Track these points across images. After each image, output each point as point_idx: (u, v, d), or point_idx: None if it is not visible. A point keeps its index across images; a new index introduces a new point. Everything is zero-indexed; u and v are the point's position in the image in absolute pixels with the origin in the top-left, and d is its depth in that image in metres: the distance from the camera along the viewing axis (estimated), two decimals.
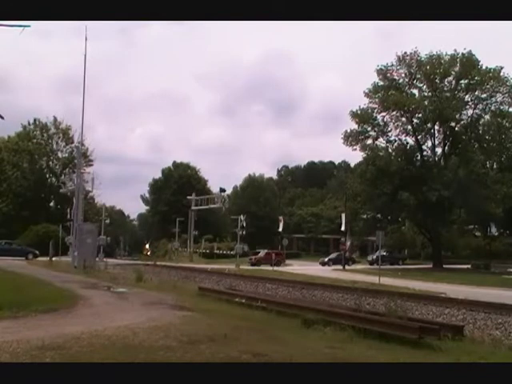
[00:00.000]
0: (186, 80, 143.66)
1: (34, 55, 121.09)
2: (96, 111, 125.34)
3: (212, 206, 60.74)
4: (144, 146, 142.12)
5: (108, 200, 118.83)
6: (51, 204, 63.06)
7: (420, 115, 45.70)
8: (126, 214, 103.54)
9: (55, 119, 62.75)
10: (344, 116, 45.30)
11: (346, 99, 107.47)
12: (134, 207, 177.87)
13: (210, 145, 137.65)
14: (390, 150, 47.39)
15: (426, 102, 44.88)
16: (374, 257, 43.61)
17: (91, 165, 60.23)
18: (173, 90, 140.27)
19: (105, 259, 36.14)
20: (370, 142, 47.27)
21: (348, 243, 48.58)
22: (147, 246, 72.87)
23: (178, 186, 75.25)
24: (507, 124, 45.72)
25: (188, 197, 62.61)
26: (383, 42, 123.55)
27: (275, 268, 38.51)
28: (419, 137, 47.14)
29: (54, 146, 63.01)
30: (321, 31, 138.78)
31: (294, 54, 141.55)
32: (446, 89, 45.98)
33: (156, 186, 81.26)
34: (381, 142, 47.63)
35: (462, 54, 44.24)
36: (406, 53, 45.53)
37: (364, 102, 46.71)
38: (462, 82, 45.16)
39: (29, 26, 11.53)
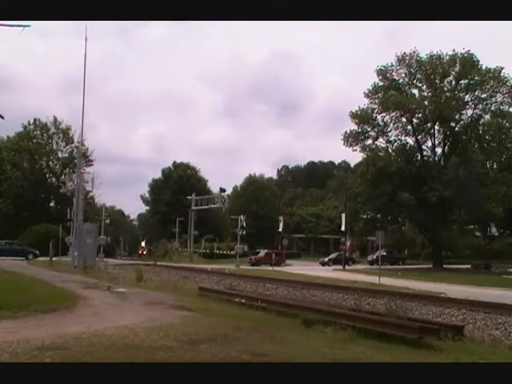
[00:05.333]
0: (189, 80, 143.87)
1: (38, 56, 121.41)
2: (99, 111, 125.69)
3: (212, 205, 60.73)
4: (147, 146, 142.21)
5: (109, 200, 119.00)
6: (51, 204, 63.01)
7: (420, 115, 45.70)
8: (126, 214, 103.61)
9: (55, 119, 62.86)
10: (347, 116, 45.68)
11: (349, 100, 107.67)
12: (134, 207, 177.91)
13: (212, 145, 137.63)
14: (390, 151, 47.41)
15: (425, 102, 44.89)
16: (374, 257, 43.60)
17: (91, 165, 60.30)
18: (176, 90, 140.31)
19: (105, 259, 36.13)
20: (369, 142, 47.33)
21: (348, 243, 48.57)
22: (143, 243, 71.89)
23: (177, 186, 75.22)
24: (507, 124, 45.68)
25: (188, 197, 62.59)
26: (389, 42, 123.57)
27: (275, 268, 38.49)
28: (419, 137, 47.13)
29: (54, 146, 63.02)
30: (325, 31, 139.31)
31: (298, 54, 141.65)
32: (445, 89, 45.97)
33: (156, 186, 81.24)
34: (381, 142, 47.70)
35: (462, 54, 44.26)
36: (405, 53, 45.61)
37: (364, 103, 46.83)
38: (462, 82, 45.15)
39: (29, 25, 11.54)
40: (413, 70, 45.92)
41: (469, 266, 43.19)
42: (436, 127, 46.61)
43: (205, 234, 64.25)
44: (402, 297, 13.77)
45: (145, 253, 64.82)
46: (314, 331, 8.90)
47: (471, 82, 44.49)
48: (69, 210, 41.91)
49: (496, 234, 60.03)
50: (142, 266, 33.54)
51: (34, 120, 62.87)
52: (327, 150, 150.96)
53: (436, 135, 47.15)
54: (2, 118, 19.85)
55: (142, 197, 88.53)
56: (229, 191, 74.45)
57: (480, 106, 45.44)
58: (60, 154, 63.40)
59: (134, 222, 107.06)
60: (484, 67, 43.95)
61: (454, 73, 44.88)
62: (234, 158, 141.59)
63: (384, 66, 46.13)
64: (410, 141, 47.69)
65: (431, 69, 45.12)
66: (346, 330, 8.63)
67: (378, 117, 46.37)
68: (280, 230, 54.32)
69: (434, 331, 8.51)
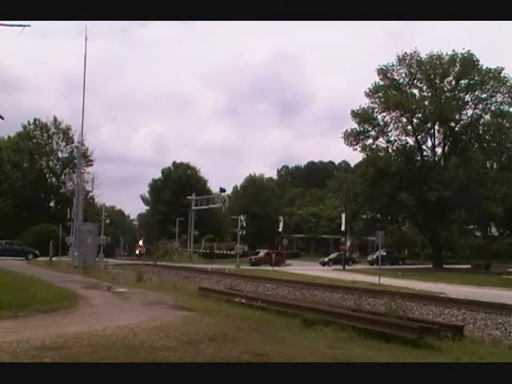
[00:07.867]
0: (189, 80, 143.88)
1: (38, 56, 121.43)
2: (99, 111, 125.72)
3: (212, 205, 60.73)
4: (147, 146, 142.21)
5: (109, 200, 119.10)
6: (51, 204, 63.01)
7: (420, 115, 45.75)
8: (126, 214, 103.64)
9: (55, 119, 62.85)
10: (349, 117, 45.86)
11: (350, 100, 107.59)
12: (134, 207, 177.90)
13: (212, 145, 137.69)
14: (390, 151, 47.46)
15: (426, 102, 44.95)
16: (374, 257, 43.61)
17: (91, 165, 60.35)
18: (176, 90, 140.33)
19: (105, 259, 36.12)
20: (370, 141, 47.41)
21: (348, 243, 48.61)
22: (140, 242, 71.21)
23: (177, 186, 75.22)
24: (507, 124, 45.74)
25: (188, 197, 62.60)
26: (391, 42, 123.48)
27: (275, 268, 38.52)
28: (419, 137, 47.21)
29: (54, 146, 63.01)
30: (326, 31, 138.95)
31: (299, 54, 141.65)
32: (445, 89, 46.04)
33: (156, 186, 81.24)
34: (381, 141, 47.80)
35: (462, 54, 44.28)
36: (406, 53, 45.72)
37: (365, 102, 46.88)
38: (462, 82, 45.22)
39: (29, 25, 11.57)
40: (413, 69, 45.99)
41: (469, 266, 43.19)
42: (436, 127, 46.71)
43: (205, 234, 64.27)
44: (402, 297, 13.76)
45: (142, 252, 64.57)
46: (314, 331, 8.90)
47: (471, 81, 44.54)
48: (69, 210, 41.91)
49: (496, 233, 60.03)
50: (142, 265, 33.57)
51: (34, 120, 62.92)
52: (327, 150, 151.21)
53: (436, 135, 47.35)
54: (2, 118, 19.83)
55: (142, 197, 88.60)
56: (229, 191, 74.42)
57: (480, 106, 45.52)
58: (60, 154, 63.48)
59: (133, 222, 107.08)
60: (484, 67, 44.01)
61: (453, 73, 44.94)
62: (234, 158, 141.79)
63: (385, 66, 46.26)
64: (410, 141, 47.89)
65: (431, 69, 45.17)
66: (345, 330, 8.63)
67: (379, 116, 46.54)
68: (280, 229, 54.29)
69: (434, 331, 8.52)
